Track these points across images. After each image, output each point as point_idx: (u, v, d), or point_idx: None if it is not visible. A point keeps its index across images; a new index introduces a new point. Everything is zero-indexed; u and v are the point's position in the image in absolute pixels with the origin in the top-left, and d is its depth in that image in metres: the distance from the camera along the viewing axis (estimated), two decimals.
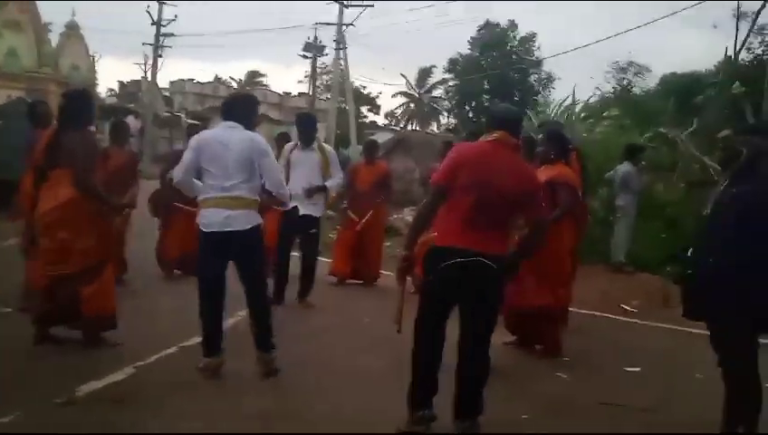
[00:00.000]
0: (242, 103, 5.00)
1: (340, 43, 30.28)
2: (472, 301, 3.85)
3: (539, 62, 32.70)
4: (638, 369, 5.62)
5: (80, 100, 5.27)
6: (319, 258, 7.83)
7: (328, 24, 31.44)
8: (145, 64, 43.40)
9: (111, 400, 4.14)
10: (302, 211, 6.93)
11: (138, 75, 49.75)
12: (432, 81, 47.11)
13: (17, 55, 33.98)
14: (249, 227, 4.65)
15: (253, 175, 4.70)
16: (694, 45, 59.66)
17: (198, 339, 4.88)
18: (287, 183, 6.66)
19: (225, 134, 4.71)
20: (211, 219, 4.63)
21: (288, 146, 7.45)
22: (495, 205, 3.81)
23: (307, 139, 7.23)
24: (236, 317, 5.66)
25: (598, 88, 20.58)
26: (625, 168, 9.45)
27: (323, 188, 7.11)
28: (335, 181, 7.26)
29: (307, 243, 7.29)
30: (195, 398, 4.32)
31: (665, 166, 12.36)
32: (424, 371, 3.91)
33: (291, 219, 6.92)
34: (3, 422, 3.66)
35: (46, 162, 5.07)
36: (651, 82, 28.83)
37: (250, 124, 4.84)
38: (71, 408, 3.95)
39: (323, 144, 7.68)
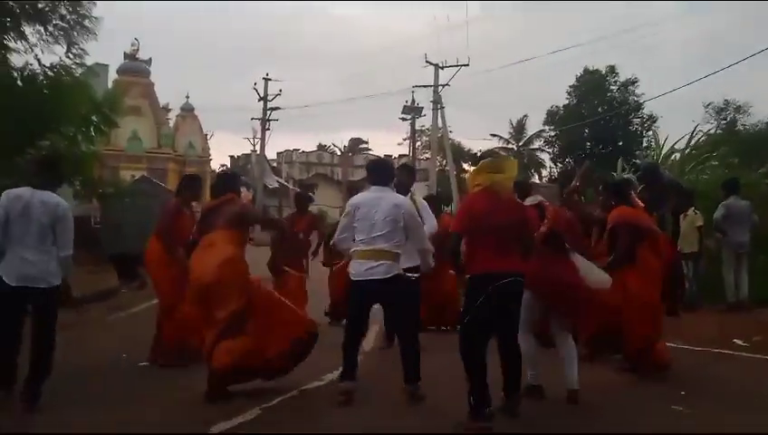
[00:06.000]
0: (382, 168, 5.78)
1: (437, 103, 30.98)
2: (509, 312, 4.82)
3: (638, 106, 31.88)
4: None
5: (228, 177, 6.42)
6: None
7: (425, 86, 32.14)
8: (254, 138, 45.83)
9: None
10: None
11: (247, 149, 52.42)
12: (529, 131, 46.63)
13: (139, 138, 36.79)
14: (389, 275, 5.29)
15: (394, 231, 5.34)
16: None
17: (317, 383, 5.58)
18: None
19: (375, 198, 5.44)
20: (357, 269, 5.38)
21: None
22: (505, 236, 4.74)
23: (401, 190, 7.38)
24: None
25: (700, 130, 19.77)
26: (732, 202, 9.21)
27: None
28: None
29: None
30: None
31: None
32: (481, 380, 4.64)
33: None
34: None
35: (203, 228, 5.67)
36: (754, 119, 27.90)
37: (391, 184, 5.67)
38: None
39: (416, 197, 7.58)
